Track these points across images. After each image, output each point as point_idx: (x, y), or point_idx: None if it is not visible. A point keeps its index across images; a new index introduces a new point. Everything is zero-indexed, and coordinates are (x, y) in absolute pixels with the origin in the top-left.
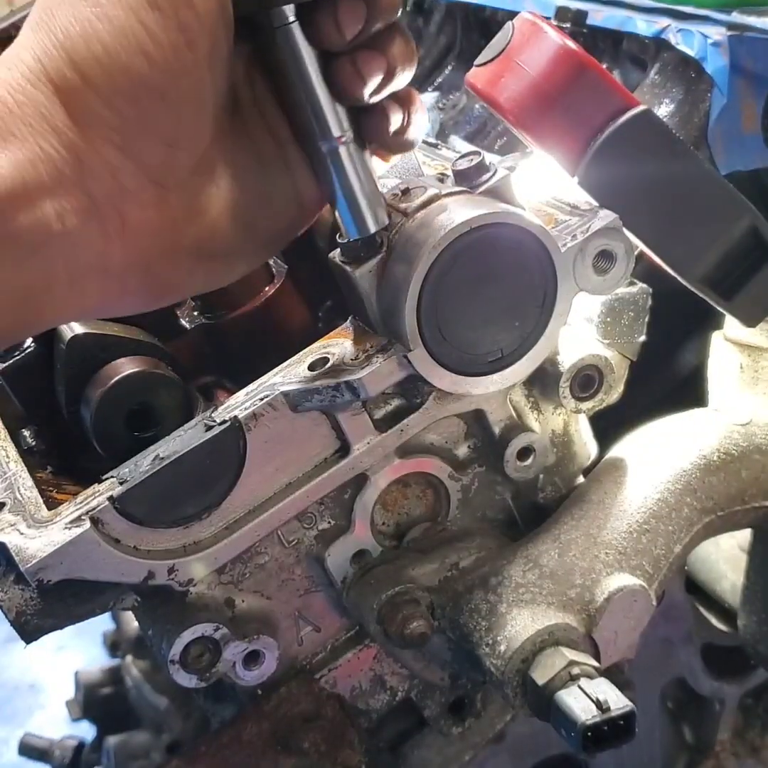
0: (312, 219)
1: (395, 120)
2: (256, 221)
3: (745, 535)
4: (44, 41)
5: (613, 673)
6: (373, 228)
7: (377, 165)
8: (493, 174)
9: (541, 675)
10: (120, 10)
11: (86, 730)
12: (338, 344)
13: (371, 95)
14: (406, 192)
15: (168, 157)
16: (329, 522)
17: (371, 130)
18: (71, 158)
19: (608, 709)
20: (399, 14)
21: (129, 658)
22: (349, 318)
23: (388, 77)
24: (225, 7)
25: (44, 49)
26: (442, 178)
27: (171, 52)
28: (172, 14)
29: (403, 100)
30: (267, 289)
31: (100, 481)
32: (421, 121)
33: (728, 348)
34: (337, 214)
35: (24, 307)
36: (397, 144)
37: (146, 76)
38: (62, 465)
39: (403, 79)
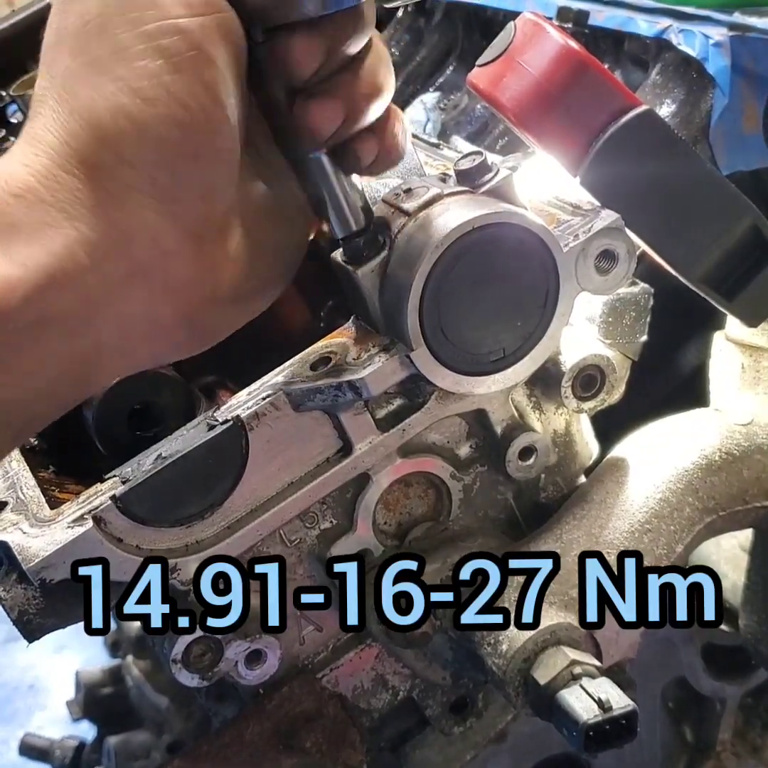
0: (317, 225)
1: (367, 155)
2: (281, 247)
3: (746, 535)
4: (69, 122)
5: (615, 673)
6: (354, 226)
7: None
8: (495, 174)
9: (542, 674)
10: (144, 80)
11: (87, 730)
12: (340, 344)
13: (330, 140)
14: (408, 192)
15: (204, 210)
16: (331, 521)
17: (344, 163)
18: (111, 233)
19: (610, 708)
20: (356, 47)
21: (129, 657)
22: (351, 318)
23: (349, 120)
24: (241, 53)
25: (70, 131)
26: (444, 178)
27: (200, 114)
28: (195, 76)
29: (377, 127)
30: None
31: (102, 481)
32: (398, 145)
33: (730, 348)
34: (324, 218)
35: (76, 377)
36: (375, 170)
37: (179, 142)
38: (64, 464)
39: (368, 115)
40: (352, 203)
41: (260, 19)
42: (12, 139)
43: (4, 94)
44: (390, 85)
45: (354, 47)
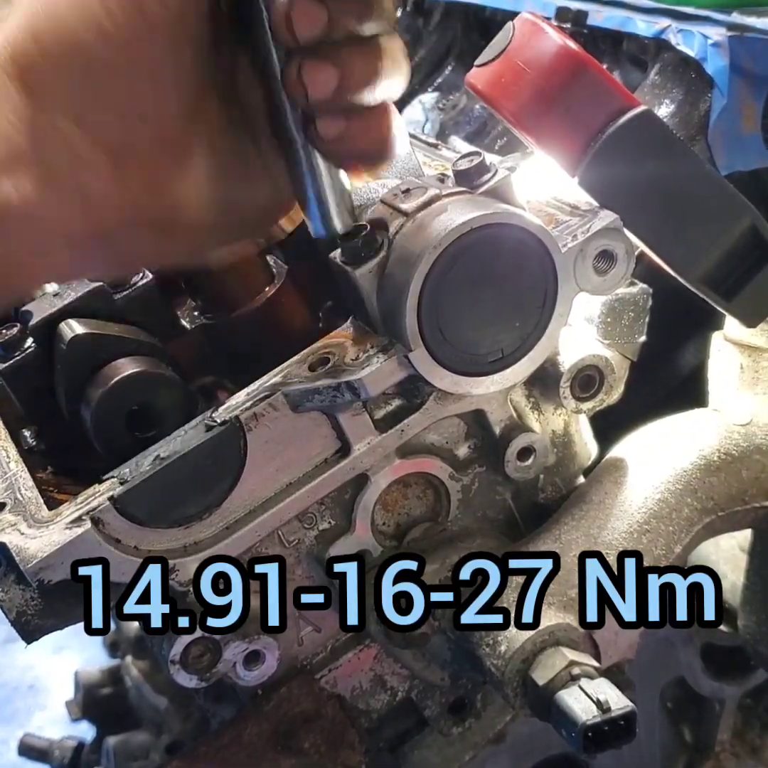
0: (287, 212)
1: (354, 142)
2: (228, 205)
3: (745, 536)
4: (11, 25)
5: (614, 673)
6: (339, 228)
7: None
8: (494, 174)
9: (541, 675)
10: None
11: (86, 731)
12: (339, 344)
13: (318, 105)
14: (406, 192)
15: (125, 131)
16: (330, 522)
17: (316, 137)
18: (27, 131)
19: (609, 709)
20: (367, 29)
21: (129, 658)
22: (350, 318)
23: (340, 91)
24: None
25: (11, 32)
26: (442, 179)
27: (128, 31)
28: None
29: (371, 118)
30: (267, 289)
31: (100, 481)
32: (388, 141)
33: (728, 348)
34: (305, 211)
35: None
36: (368, 165)
37: (99, 51)
38: (62, 465)
39: (361, 96)
40: (339, 204)
41: None
42: None
43: None
44: (393, 75)
45: (359, 25)
